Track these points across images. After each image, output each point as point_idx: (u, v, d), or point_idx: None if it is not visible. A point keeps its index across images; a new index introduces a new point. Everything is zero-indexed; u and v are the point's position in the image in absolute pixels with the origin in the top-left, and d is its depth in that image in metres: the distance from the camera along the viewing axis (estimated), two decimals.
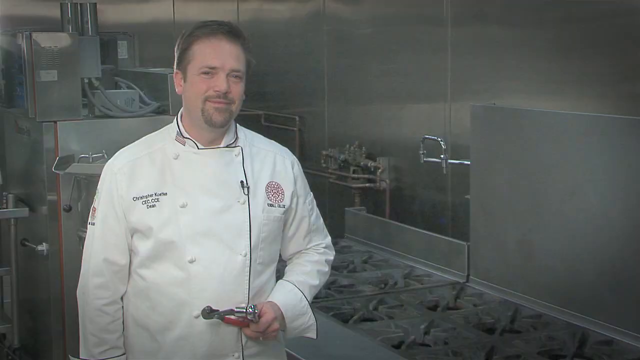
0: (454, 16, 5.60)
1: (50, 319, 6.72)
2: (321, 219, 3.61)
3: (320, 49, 6.95)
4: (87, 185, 5.70)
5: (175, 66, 3.33)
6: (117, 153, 3.46)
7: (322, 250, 3.59)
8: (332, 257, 3.62)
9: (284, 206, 3.41)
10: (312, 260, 3.55)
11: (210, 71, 3.22)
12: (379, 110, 6.38)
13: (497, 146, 4.76)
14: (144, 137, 3.50)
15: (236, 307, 3.23)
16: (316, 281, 3.52)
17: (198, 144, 3.32)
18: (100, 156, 5.90)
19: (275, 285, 3.44)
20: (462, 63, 5.57)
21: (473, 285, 4.93)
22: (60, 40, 6.62)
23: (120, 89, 7.04)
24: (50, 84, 6.52)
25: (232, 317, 3.24)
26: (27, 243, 6.84)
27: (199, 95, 3.24)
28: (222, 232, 3.29)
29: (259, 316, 3.24)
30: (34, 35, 6.51)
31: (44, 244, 6.65)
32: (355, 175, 6.40)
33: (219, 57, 3.23)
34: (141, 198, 3.29)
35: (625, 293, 4.03)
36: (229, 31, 3.26)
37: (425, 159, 5.51)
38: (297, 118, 7.28)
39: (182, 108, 3.40)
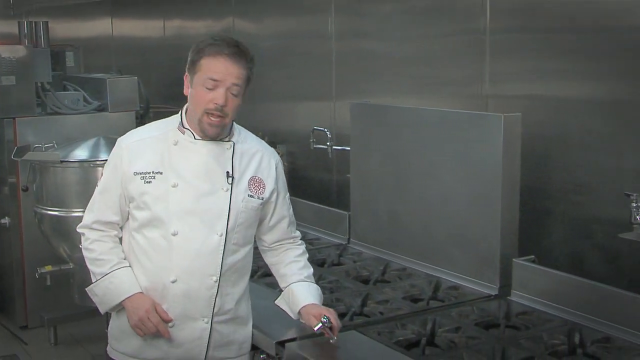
0: (337, 32, 5.63)
1: (13, 279, 6.65)
2: None
3: None
4: (41, 169, 5.63)
5: (187, 69, 3.15)
6: (128, 132, 3.31)
7: (300, 242, 3.52)
8: (305, 248, 3.56)
9: (262, 198, 3.26)
10: (299, 253, 3.48)
11: (212, 84, 3.05)
12: (277, 107, 6.38)
13: (370, 135, 4.75)
14: (153, 122, 3.36)
15: (317, 327, 3.22)
16: (311, 269, 3.49)
17: (195, 135, 3.16)
18: (51, 146, 5.82)
19: (292, 272, 3.44)
20: (343, 69, 5.61)
21: (353, 246, 4.93)
22: (17, 52, 6.53)
23: (67, 90, 6.96)
24: (9, 87, 6.44)
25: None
26: None
27: (200, 106, 3.08)
28: (203, 213, 3.14)
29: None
30: None
31: (6, 217, 6.58)
32: None
33: (222, 73, 3.04)
34: (140, 174, 3.13)
35: (469, 249, 4.09)
36: (234, 53, 3.07)
37: (315, 146, 5.55)
38: None
39: (187, 103, 3.21)
